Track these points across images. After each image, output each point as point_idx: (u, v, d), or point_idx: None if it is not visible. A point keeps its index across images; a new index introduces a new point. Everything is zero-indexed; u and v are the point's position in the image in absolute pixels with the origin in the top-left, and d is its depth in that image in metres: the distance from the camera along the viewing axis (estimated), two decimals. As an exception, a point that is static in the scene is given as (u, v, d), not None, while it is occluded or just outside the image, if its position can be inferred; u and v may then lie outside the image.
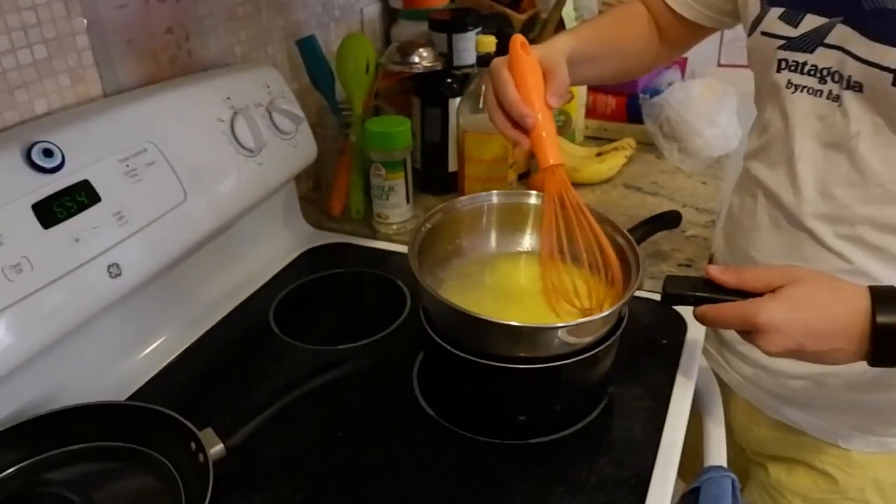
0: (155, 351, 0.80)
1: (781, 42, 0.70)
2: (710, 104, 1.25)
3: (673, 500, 0.72)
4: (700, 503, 0.70)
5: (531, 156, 1.17)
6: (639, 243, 0.85)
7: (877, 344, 0.58)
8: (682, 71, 1.39)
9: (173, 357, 0.80)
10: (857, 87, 0.65)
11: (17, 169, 0.64)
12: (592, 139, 1.34)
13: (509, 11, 1.29)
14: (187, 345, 0.82)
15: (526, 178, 1.16)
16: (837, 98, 0.68)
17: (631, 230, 0.85)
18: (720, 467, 0.73)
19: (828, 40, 0.67)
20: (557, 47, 0.75)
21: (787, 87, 0.72)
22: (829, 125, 0.69)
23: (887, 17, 0.61)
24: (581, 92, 1.28)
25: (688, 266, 0.96)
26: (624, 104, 1.32)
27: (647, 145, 1.28)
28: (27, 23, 0.69)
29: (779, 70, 0.72)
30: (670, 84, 1.30)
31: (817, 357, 0.61)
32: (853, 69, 0.65)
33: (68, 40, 0.74)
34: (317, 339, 0.84)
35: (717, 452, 0.76)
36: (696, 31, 0.86)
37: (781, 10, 0.69)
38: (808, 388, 0.81)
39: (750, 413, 0.88)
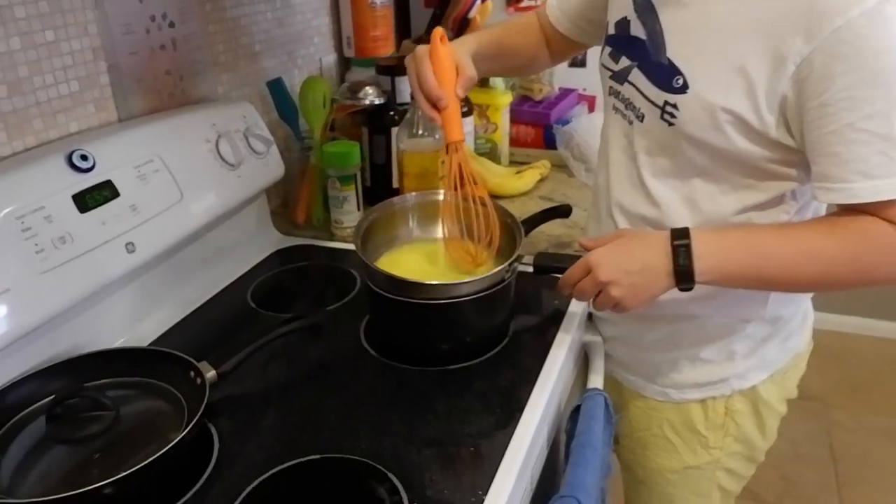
0: (156, 321, 1.01)
1: (609, 73, 0.92)
2: (610, 132, 1.52)
3: (564, 417, 0.95)
4: (580, 415, 0.92)
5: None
6: (537, 226, 1.11)
7: (675, 257, 0.78)
8: (591, 106, 1.66)
9: (172, 325, 1.01)
10: (641, 118, 0.86)
11: (62, 169, 0.87)
12: (516, 163, 1.59)
13: (444, 59, 1.56)
14: (183, 316, 1.04)
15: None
16: (630, 123, 0.88)
17: (532, 216, 1.10)
18: (595, 388, 0.96)
19: (629, 78, 0.87)
20: (467, 46, 0.97)
21: (612, 109, 0.93)
22: (628, 142, 0.90)
23: (661, 68, 0.81)
24: (505, 123, 1.55)
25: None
26: (541, 133, 1.59)
27: (561, 166, 1.54)
28: (66, 64, 0.93)
29: (609, 94, 0.94)
30: (578, 116, 1.58)
31: (643, 279, 0.80)
32: (641, 103, 0.85)
33: (94, 78, 0.98)
34: (286, 312, 1.06)
35: (595, 379, 0.99)
36: (573, 44, 1.10)
37: (611, 49, 0.92)
38: (618, 347, 1.04)
39: None
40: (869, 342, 2.64)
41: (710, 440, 1.00)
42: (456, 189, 0.92)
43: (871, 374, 2.49)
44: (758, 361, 0.96)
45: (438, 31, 0.92)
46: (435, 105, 0.90)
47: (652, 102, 0.84)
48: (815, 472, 2.07)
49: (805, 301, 1.00)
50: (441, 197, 1.02)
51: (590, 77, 1.66)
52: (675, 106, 0.80)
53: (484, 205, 0.93)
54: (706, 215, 0.85)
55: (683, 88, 0.79)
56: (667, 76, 0.80)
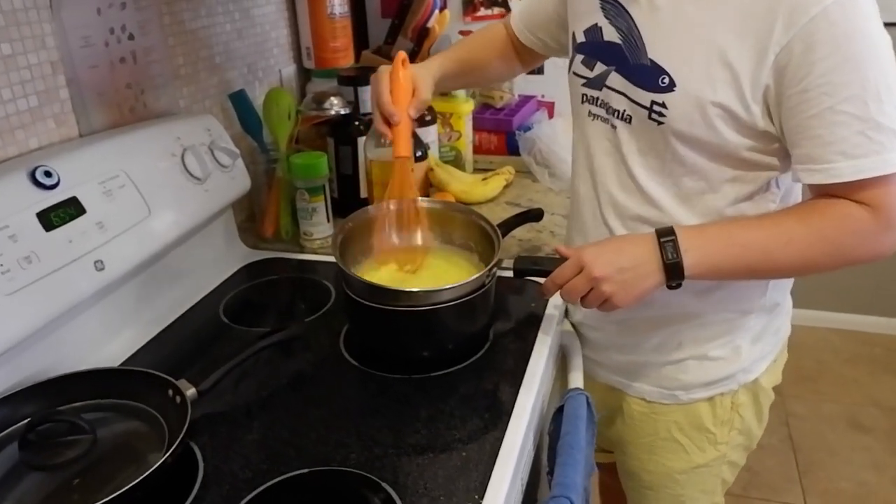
0: (127, 340, 0.98)
1: (583, 80, 0.93)
2: (571, 136, 1.55)
3: (545, 418, 0.96)
4: (564, 415, 0.93)
5: (429, 184, 1.44)
6: (511, 230, 1.12)
7: (664, 253, 0.81)
8: (550, 112, 1.69)
9: (144, 343, 0.99)
10: (627, 120, 0.87)
11: (25, 186, 0.83)
12: (481, 170, 1.60)
13: (404, 69, 1.56)
14: (154, 334, 1.01)
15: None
16: (614, 127, 0.89)
17: (505, 221, 1.11)
18: (577, 388, 0.97)
19: (608, 83, 0.88)
20: (430, 69, 1.00)
21: (588, 115, 0.93)
22: (614, 146, 0.90)
23: (644, 70, 0.83)
24: (468, 131, 1.56)
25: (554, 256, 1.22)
26: (504, 140, 1.61)
27: (525, 172, 1.56)
28: (24, 78, 0.90)
29: (583, 102, 0.94)
30: (540, 122, 1.60)
31: (634, 275, 0.82)
32: (624, 105, 0.86)
33: (53, 93, 0.95)
34: (261, 326, 1.04)
35: (576, 379, 1.00)
36: (536, 55, 1.13)
37: (583, 56, 0.93)
38: (617, 356, 1.04)
39: (588, 382, 1.08)
40: (814, 333, 2.74)
41: (718, 436, 1.01)
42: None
43: (818, 364, 2.59)
44: (759, 352, 0.98)
45: (401, 55, 0.96)
46: (388, 121, 0.93)
47: (637, 104, 0.85)
48: (777, 462, 2.14)
49: (790, 287, 1.03)
50: (418, 204, 1.02)
51: (548, 84, 1.68)
52: (663, 105, 0.82)
53: (418, 221, 0.98)
54: (700, 211, 0.87)
55: (670, 87, 0.81)
56: (651, 76, 0.82)
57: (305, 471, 0.75)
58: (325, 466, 0.75)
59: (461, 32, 1.64)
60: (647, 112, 0.84)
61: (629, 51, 0.85)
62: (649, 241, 0.83)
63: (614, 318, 0.95)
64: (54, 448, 0.74)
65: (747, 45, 0.76)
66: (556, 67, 1.55)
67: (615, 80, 0.88)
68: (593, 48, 0.91)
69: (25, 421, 0.78)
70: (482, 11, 1.66)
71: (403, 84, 0.93)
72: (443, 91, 1.20)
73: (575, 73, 0.96)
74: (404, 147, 0.93)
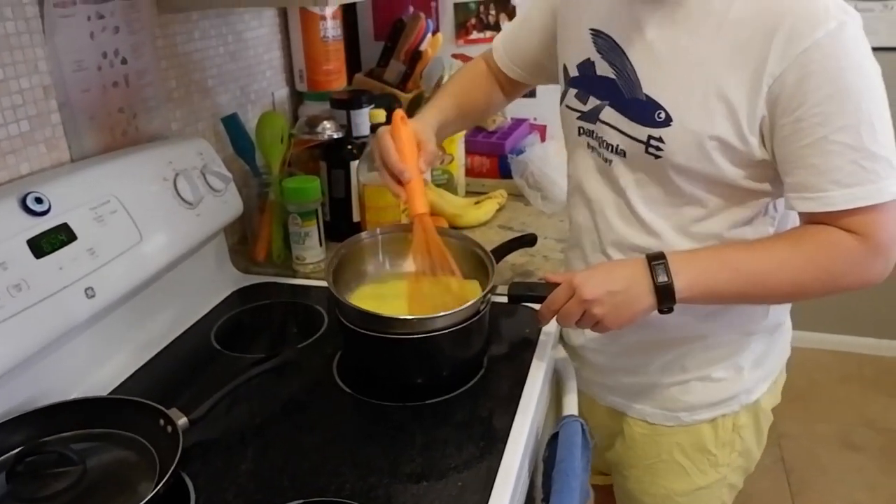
0: (117, 367, 0.97)
1: (578, 114, 0.93)
2: (563, 159, 1.55)
3: (540, 444, 0.95)
4: (559, 442, 0.92)
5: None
6: (505, 256, 1.11)
7: (654, 275, 0.81)
8: (542, 135, 1.70)
9: (134, 370, 0.97)
10: (622, 154, 0.88)
11: (15, 213, 0.82)
12: (473, 193, 1.61)
13: (397, 91, 1.57)
14: (145, 361, 0.99)
15: (418, 223, 1.40)
16: (608, 161, 0.90)
17: (499, 246, 1.10)
18: (572, 415, 0.96)
19: (601, 117, 0.89)
20: (428, 122, 0.98)
21: (586, 147, 0.94)
22: (611, 179, 0.91)
23: (639, 104, 0.83)
24: (460, 154, 1.56)
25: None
26: (496, 163, 1.61)
27: (517, 195, 1.56)
28: (16, 103, 0.89)
29: (579, 134, 0.95)
30: (532, 145, 1.61)
31: (625, 297, 0.82)
32: (618, 139, 0.87)
33: (45, 117, 0.94)
34: (252, 352, 1.03)
35: (570, 405, 0.99)
36: (520, 85, 1.13)
37: (576, 90, 0.93)
38: (622, 378, 1.03)
39: (588, 404, 1.10)
40: (806, 353, 2.75)
41: (719, 458, 1.01)
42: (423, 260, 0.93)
43: (810, 384, 2.59)
44: (762, 373, 0.99)
45: (399, 113, 0.94)
46: (399, 180, 0.91)
47: (633, 138, 0.85)
48: (770, 482, 2.13)
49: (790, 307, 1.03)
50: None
51: (540, 107, 1.69)
52: (660, 139, 0.82)
53: (452, 273, 0.93)
54: (701, 238, 0.87)
55: (667, 122, 0.81)
56: (647, 111, 0.83)
57: (300, 502, 0.74)
58: (319, 497, 0.74)
59: (454, 55, 1.65)
60: (643, 146, 0.84)
61: (623, 86, 0.86)
62: (640, 264, 0.83)
63: (620, 341, 0.95)
64: (43, 480, 0.73)
65: (742, 77, 0.76)
66: (548, 91, 1.54)
67: (609, 114, 0.88)
68: (586, 82, 0.92)
69: (13, 452, 0.77)
70: (475, 35, 1.67)
71: (406, 140, 0.91)
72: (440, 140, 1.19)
73: (568, 107, 0.96)
74: (420, 204, 0.91)
